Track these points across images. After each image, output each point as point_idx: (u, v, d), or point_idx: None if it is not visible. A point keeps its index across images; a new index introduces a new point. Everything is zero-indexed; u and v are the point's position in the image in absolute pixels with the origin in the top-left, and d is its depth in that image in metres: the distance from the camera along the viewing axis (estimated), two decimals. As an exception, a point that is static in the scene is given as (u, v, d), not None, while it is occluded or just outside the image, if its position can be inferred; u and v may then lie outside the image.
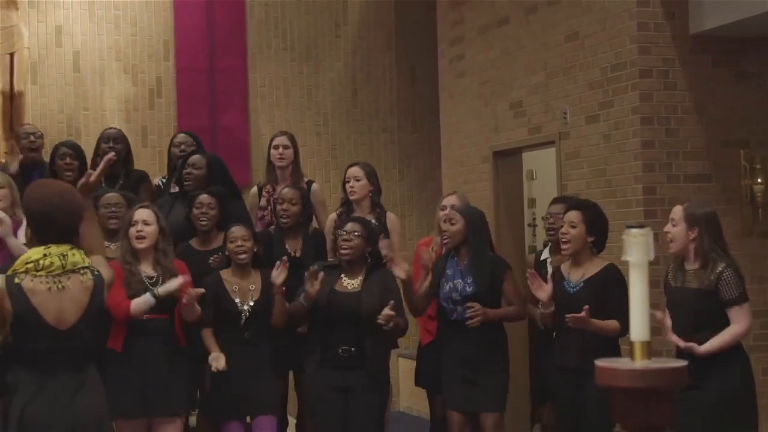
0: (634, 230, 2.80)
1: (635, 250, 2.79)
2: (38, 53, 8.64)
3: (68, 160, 6.31)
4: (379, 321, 5.21)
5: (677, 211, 4.79)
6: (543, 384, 5.92)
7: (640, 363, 2.73)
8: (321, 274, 5.30)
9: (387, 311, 5.20)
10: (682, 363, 2.80)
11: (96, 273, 3.81)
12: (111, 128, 6.98)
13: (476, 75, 8.34)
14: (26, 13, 8.52)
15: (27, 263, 3.70)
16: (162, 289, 5.05)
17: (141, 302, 5.02)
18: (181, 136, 6.85)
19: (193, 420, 5.73)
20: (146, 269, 5.18)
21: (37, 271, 3.68)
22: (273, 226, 6.09)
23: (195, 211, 5.72)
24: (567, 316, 4.93)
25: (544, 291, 5.16)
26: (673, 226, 4.78)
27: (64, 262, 3.71)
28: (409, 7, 9.63)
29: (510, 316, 5.59)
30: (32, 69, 8.56)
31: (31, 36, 8.52)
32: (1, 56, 8.23)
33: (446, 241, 5.57)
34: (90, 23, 8.85)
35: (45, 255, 3.70)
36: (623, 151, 6.56)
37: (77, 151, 6.41)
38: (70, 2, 8.78)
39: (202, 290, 5.19)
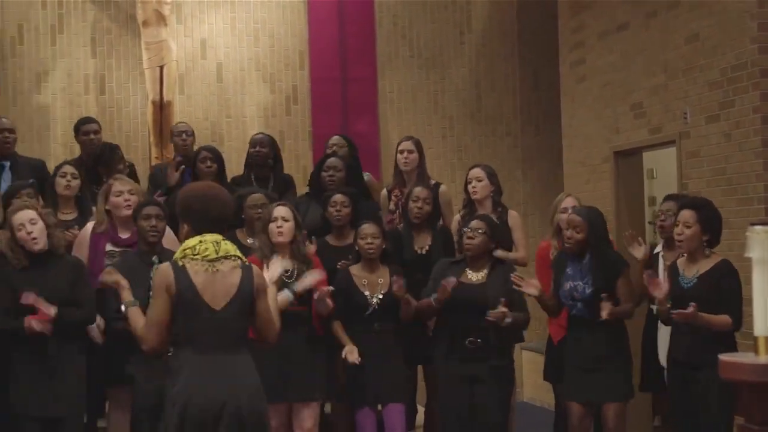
0: (757, 227, 2.73)
1: (758, 247, 2.72)
2: (185, 65, 8.89)
3: (208, 163, 6.43)
4: (489, 319, 5.17)
5: None
6: (649, 374, 5.87)
7: (765, 357, 2.66)
8: (453, 282, 5.27)
9: (500, 308, 5.16)
10: (808, 358, 2.71)
11: (246, 264, 3.96)
12: (259, 134, 6.97)
13: (597, 78, 8.21)
14: (174, 29, 8.76)
15: (185, 249, 3.90)
16: (300, 287, 5.12)
17: (281, 298, 5.06)
18: (335, 138, 6.76)
19: (328, 407, 5.80)
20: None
21: (194, 255, 3.87)
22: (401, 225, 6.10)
23: (330, 209, 5.80)
24: (672, 312, 4.81)
25: (660, 290, 5.04)
26: None
27: (217, 248, 3.90)
28: (531, 14, 9.53)
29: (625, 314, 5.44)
30: (180, 80, 8.81)
31: (179, 50, 8.76)
32: (152, 69, 8.51)
33: (569, 245, 5.43)
34: (232, 36, 9.05)
35: (201, 242, 3.90)
36: (744, 150, 6.38)
37: (216, 155, 6.52)
38: (214, 18, 9.01)
39: (332, 288, 5.26)
